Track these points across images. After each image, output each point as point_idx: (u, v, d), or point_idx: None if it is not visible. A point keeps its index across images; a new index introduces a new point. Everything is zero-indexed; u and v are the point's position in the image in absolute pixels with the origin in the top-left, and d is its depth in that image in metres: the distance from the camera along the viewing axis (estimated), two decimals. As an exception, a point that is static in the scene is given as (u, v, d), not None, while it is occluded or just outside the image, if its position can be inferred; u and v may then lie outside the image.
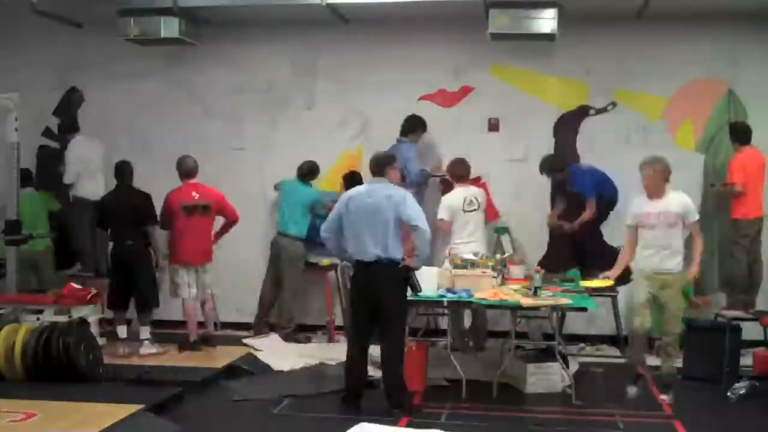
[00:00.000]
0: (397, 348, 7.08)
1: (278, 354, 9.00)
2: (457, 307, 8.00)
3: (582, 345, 9.46)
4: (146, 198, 9.21)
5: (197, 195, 9.29)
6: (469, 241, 8.96)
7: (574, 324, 9.60)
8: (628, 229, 8.00)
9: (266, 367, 8.53)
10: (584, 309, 7.59)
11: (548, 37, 9.46)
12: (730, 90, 9.91)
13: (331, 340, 9.96)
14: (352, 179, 9.91)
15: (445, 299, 7.55)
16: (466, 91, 10.39)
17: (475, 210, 9.16)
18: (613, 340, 9.49)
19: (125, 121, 10.81)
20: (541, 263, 9.12)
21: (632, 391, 7.69)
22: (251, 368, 8.43)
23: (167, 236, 9.29)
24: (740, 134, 9.30)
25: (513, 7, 9.28)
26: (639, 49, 9.98)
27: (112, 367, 7.94)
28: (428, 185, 10.02)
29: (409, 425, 6.58)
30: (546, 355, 7.94)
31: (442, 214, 9.06)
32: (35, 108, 10.60)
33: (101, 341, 8.47)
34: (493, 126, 10.36)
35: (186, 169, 9.41)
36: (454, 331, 8.54)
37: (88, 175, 10.34)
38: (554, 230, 9.65)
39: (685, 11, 9.55)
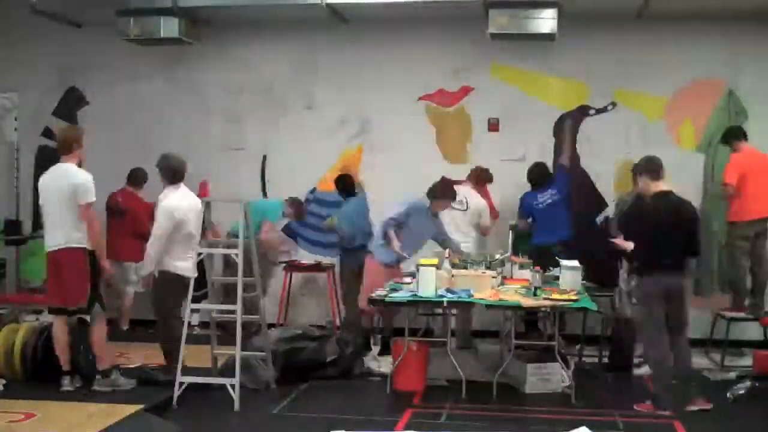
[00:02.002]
0: None
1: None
2: (459, 307, 7.98)
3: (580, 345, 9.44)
4: None
5: (121, 199, 10.05)
6: (459, 242, 8.99)
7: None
8: None
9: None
10: (584, 309, 7.58)
11: (548, 37, 9.48)
12: (730, 90, 9.92)
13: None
14: (343, 182, 9.93)
15: (444, 300, 7.54)
16: (465, 90, 10.40)
17: (463, 209, 9.20)
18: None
19: (125, 121, 10.81)
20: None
21: None
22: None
23: None
24: (731, 136, 9.23)
25: (513, 7, 9.31)
26: (639, 49, 9.99)
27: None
28: None
29: (407, 427, 6.58)
30: (546, 355, 7.93)
31: None
32: (35, 108, 10.60)
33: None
34: (493, 126, 10.37)
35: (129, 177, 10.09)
36: (465, 331, 8.59)
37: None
38: None
39: (685, 11, 9.56)
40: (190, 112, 10.77)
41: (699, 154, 9.97)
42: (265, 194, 10.62)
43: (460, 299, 7.54)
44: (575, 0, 9.20)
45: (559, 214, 9.49)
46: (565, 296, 7.51)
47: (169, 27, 9.82)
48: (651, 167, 7.35)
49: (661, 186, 7.31)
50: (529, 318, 8.93)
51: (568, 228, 9.48)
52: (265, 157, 10.60)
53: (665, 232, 7.07)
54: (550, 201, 9.46)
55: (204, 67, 10.74)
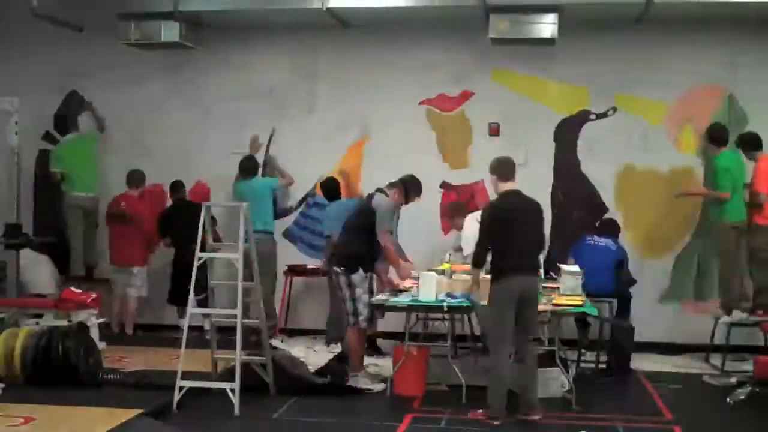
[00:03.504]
0: None
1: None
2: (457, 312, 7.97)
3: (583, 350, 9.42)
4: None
5: (124, 204, 10.35)
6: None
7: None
8: None
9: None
10: (585, 314, 7.58)
11: (549, 42, 9.48)
12: (730, 95, 9.92)
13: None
14: (329, 186, 9.94)
15: (445, 304, 7.53)
16: (466, 95, 10.40)
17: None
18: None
19: (126, 125, 10.84)
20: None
21: None
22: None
23: None
24: (751, 146, 9.24)
25: (513, 11, 9.31)
26: (639, 55, 9.99)
27: (112, 372, 7.93)
28: None
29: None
30: (546, 360, 7.92)
31: None
32: (36, 112, 10.60)
33: (101, 345, 8.45)
34: (494, 130, 10.37)
35: (127, 180, 10.43)
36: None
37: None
38: None
39: (685, 17, 9.57)
40: (192, 116, 10.77)
41: (700, 159, 9.97)
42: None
43: (461, 304, 7.53)
44: (576, 5, 9.21)
45: None
46: (568, 301, 7.52)
47: (170, 31, 9.83)
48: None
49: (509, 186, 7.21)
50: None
51: None
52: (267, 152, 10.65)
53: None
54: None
55: (205, 72, 10.75)
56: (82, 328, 8.19)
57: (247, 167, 10.12)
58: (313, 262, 10.46)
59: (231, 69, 10.70)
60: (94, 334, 8.54)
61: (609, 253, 9.24)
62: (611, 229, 9.67)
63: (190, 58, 10.63)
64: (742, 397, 7.54)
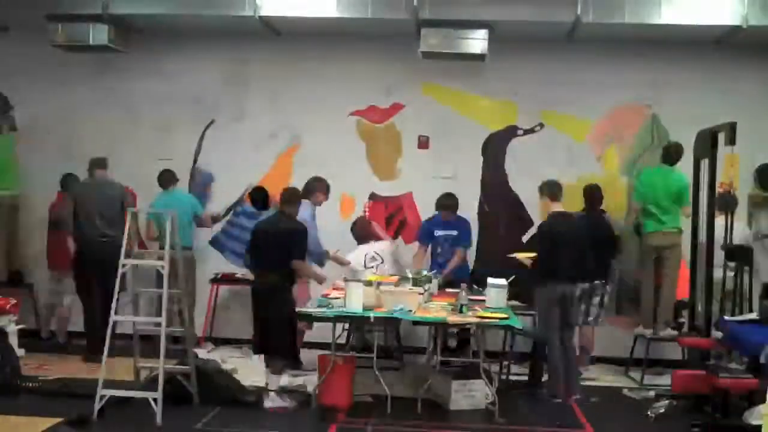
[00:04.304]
0: None
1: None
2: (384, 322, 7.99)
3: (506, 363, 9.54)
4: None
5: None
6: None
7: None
8: None
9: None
10: (510, 327, 7.66)
11: (479, 58, 9.60)
12: (653, 114, 10.16)
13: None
14: (258, 197, 9.88)
15: (371, 315, 7.54)
16: (397, 107, 10.47)
17: (378, 264, 9.34)
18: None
19: (53, 128, 10.61)
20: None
21: None
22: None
23: None
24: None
25: (445, 26, 9.40)
26: (566, 73, 10.16)
27: (31, 379, 7.77)
28: None
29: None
30: (470, 371, 8.00)
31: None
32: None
33: (20, 352, 8.27)
34: (423, 143, 10.45)
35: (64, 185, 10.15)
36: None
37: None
38: None
39: (611, 37, 9.77)
40: (119, 121, 10.61)
41: (623, 176, 10.18)
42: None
43: (386, 315, 7.56)
44: (506, 22, 9.35)
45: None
46: (492, 314, 7.60)
47: (99, 34, 9.68)
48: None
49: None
50: (463, 336, 8.97)
51: None
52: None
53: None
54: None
55: (134, 76, 10.59)
56: (1, 334, 8.01)
57: (165, 179, 9.99)
58: (241, 271, 10.40)
59: (160, 74, 10.57)
60: (13, 340, 8.34)
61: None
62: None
63: (119, 62, 10.48)
64: (662, 410, 7.71)
